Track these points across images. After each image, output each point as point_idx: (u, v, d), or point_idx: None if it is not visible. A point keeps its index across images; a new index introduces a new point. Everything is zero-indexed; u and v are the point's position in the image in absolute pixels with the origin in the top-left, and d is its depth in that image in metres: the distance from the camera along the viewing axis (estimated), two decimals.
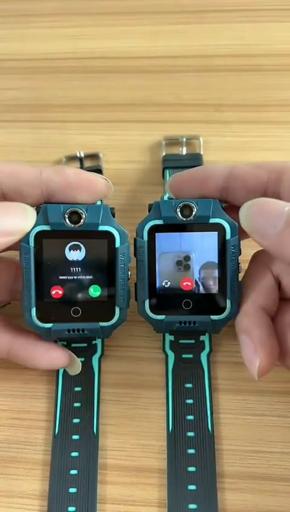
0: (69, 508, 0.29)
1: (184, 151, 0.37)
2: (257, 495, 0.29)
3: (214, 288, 0.28)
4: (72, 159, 0.38)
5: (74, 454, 0.30)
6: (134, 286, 0.29)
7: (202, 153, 0.37)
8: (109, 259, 0.28)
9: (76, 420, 0.30)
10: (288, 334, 0.27)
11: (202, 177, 0.29)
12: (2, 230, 0.26)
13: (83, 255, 0.28)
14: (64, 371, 0.31)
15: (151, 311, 0.29)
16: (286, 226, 0.23)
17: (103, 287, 0.29)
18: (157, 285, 0.29)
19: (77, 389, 0.31)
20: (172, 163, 0.36)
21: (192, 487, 0.29)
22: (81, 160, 0.37)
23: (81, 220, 0.28)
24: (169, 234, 0.29)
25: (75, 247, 0.28)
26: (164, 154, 0.37)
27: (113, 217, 0.29)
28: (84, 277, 0.28)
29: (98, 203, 0.30)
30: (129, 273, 0.29)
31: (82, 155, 0.37)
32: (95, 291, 0.29)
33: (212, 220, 0.28)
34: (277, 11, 0.41)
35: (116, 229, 0.28)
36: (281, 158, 0.36)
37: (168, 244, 0.29)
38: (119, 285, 0.28)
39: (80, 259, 0.28)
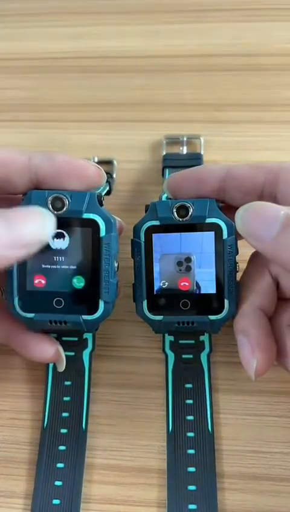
0: (54, 501, 0.29)
1: (184, 150, 0.37)
2: (257, 495, 0.29)
3: (212, 288, 0.28)
4: None
5: (62, 447, 0.30)
6: (132, 287, 0.29)
7: (202, 152, 0.37)
8: (93, 249, 0.27)
9: (65, 414, 0.30)
10: (285, 335, 0.27)
11: (198, 178, 0.29)
12: (16, 242, 0.24)
13: (67, 244, 0.27)
14: (54, 364, 0.31)
15: (149, 311, 0.29)
16: (281, 229, 0.23)
17: (87, 278, 0.27)
18: (155, 285, 0.29)
19: (67, 383, 0.31)
20: (172, 163, 0.36)
21: (192, 487, 0.29)
22: None
23: (64, 207, 0.27)
24: (166, 235, 0.28)
25: (59, 235, 0.27)
26: (164, 153, 0.37)
27: (101, 205, 0.28)
28: (68, 267, 0.28)
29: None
30: (116, 264, 0.28)
31: (96, 160, 0.37)
32: (78, 282, 0.28)
33: (208, 220, 0.28)
34: (277, 10, 0.41)
35: (102, 217, 0.27)
36: (281, 158, 0.36)
37: (165, 245, 0.29)
38: (103, 277, 0.27)
39: (63, 248, 0.27)
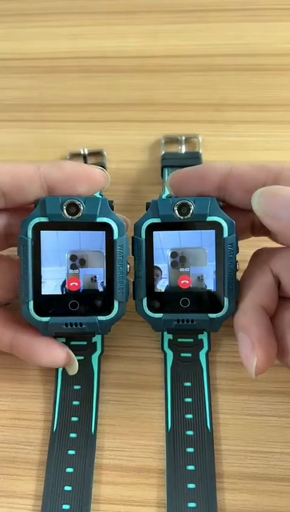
0: (64, 506, 0.29)
1: (183, 149, 0.37)
2: (257, 495, 0.29)
3: (212, 286, 0.28)
4: (75, 155, 0.38)
5: (71, 452, 0.30)
6: (132, 284, 0.29)
7: (200, 151, 0.37)
8: (107, 251, 0.28)
9: (74, 418, 0.30)
10: (287, 333, 0.27)
11: (200, 175, 0.29)
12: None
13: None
14: (63, 369, 0.31)
15: (149, 309, 0.29)
16: None
17: (101, 280, 0.28)
18: (155, 283, 0.29)
19: (76, 387, 0.31)
20: (171, 162, 0.36)
21: (191, 486, 0.29)
22: (84, 157, 0.37)
23: (79, 212, 0.28)
24: (167, 232, 0.29)
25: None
26: (163, 152, 0.37)
27: (112, 209, 0.28)
28: (83, 269, 0.28)
29: (98, 195, 0.30)
30: (128, 266, 0.29)
31: (86, 152, 0.37)
32: (93, 284, 0.29)
33: (209, 218, 0.28)
34: (277, 10, 0.41)
35: (115, 221, 0.28)
36: (281, 158, 0.36)
37: (166, 243, 0.29)
38: (117, 278, 0.28)
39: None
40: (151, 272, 0.29)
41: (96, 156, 0.38)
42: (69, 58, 0.41)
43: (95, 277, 0.28)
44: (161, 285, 0.29)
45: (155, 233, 0.29)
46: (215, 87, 0.39)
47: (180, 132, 0.38)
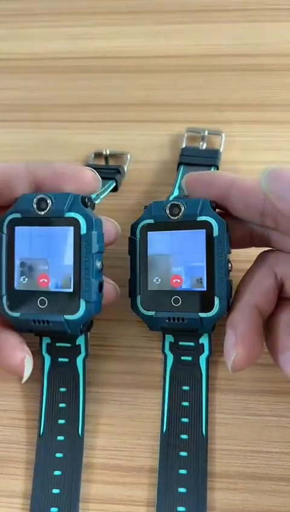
0: (52, 509, 0.29)
1: (204, 145, 0.37)
2: (257, 495, 0.29)
3: (202, 285, 0.28)
4: (98, 155, 0.38)
5: (59, 455, 0.30)
6: (128, 283, 0.30)
7: (221, 149, 0.36)
8: (74, 247, 0.28)
9: (61, 421, 0.30)
10: (284, 332, 0.27)
11: (207, 183, 0.29)
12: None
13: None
14: (49, 371, 0.31)
15: (143, 307, 0.29)
16: None
17: (68, 277, 0.28)
18: (148, 282, 0.29)
19: (62, 389, 0.31)
20: (187, 159, 0.36)
21: (182, 490, 0.29)
22: (106, 158, 0.38)
23: (48, 207, 0.28)
24: (160, 233, 0.29)
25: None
26: (183, 146, 0.37)
27: (86, 206, 0.28)
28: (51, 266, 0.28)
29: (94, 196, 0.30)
30: (99, 263, 0.28)
31: (108, 153, 0.37)
32: (61, 282, 0.28)
33: (199, 218, 0.28)
34: (277, 10, 0.41)
35: (83, 216, 0.27)
36: (281, 158, 0.36)
37: (159, 242, 0.29)
38: (84, 275, 0.27)
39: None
40: (145, 271, 0.29)
41: (117, 159, 0.38)
42: (69, 58, 0.41)
43: (65, 274, 0.28)
44: (154, 284, 0.29)
45: (149, 233, 0.29)
46: (215, 87, 0.39)
47: (203, 126, 0.37)
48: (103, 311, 0.29)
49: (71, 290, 0.28)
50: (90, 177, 0.29)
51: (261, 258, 0.29)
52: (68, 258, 0.28)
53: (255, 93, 0.39)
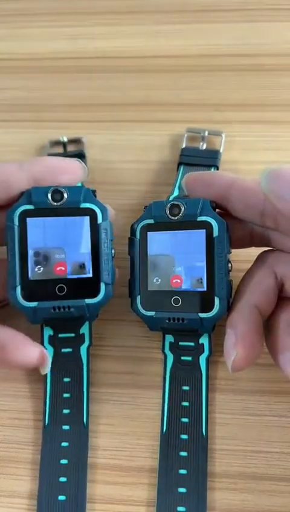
0: (60, 497, 0.29)
1: (204, 146, 0.37)
2: (257, 495, 0.30)
3: (202, 286, 0.28)
4: (56, 144, 0.38)
5: (64, 444, 0.30)
6: (128, 283, 0.30)
7: (221, 150, 0.36)
8: (91, 235, 0.29)
9: (66, 411, 0.30)
10: (284, 332, 0.27)
11: (207, 183, 0.29)
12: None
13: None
14: (52, 362, 0.31)
15: (143, 307, 0.29)
16: None
17: (88, 263, 0.29)
18: (148, 282, 0.29)
19: (66, 379, 0.31)
20: (187, 159, 0.36)
21: (182, 490, 0.29)
22: (64, 144, 0.38)
23: (63, 198, 0.29)
24: (160, 233, 0.29)
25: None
26: (183, 146, 0.37)
27: (95, 197, 0.29)
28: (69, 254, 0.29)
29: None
30: (113, 251, 0.29)
31: (65, 140, 0.38)
32: (80, 268, 0.29)
33: (199, 218, 0.29)
34: (277, 10, 0.41)
35: (98, 206, 0.29)
36: (281, 158, 0.36)
37: (159, 243, 0.29)
38: (103, 260, 0.29)
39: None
40: (145, 271, 0.29)
41: (75, 144, 0.38)
42: (69, 58, 0.41)
43: (82, 261, 0.29)
44: (154, 284, 0.29)
45: (149, 233, 0.29)
46: (215, 87, 0.39)
47: (203, 127, 0.37)
48: (103, 311, 0.29)
49: (90, 275, 0.29)
50: (80, 168, 0.30)
51: (261, 258, 0.29)
52: (85, 246, 0.29)
53: (255, 93, 0.39)
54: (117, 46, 0.41)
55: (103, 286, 0.29)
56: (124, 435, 0.31)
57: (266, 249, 0.30)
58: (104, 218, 0.29)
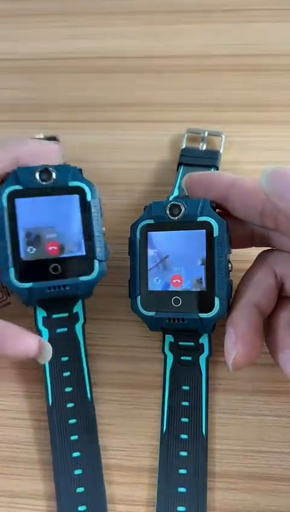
0: (75, 471, 0.29)
1: (204, 146, 0.36)
2: (257, 495, 0.30)
3: (202, 286, 0.28)
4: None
5: (72, 421, 0.30)
6: (128, 283, 0.30)
7: (221, 151, 0.36)
8: (82, 212, 0.29)
9: (68, 389, 0.31)
10: (284, 331, 0.27)
11: (207, 182, 0.29)
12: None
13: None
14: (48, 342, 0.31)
15: (143, 307, 0.29)
16: None
17: (80, 241, 0.29)
18: (148, 282, 0.29)
19: (64, 358, 0.31)
20: (187, 160, 0.36)
21: (182, 489, 0.29)
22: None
23: (52, 178, 0.29)
24: (160, 233, 0.29)
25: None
26: (183, 147, 0.37)
27: (81, 175, 0.30)
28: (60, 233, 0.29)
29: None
30: (104, 229, 0.29)
31: (41, 136, 0.37)
32: (73, 246, 0.29)
33: (200, 218, 0.29)
34: (277, 10, 0.41)
35: (86, 184, 0.29)
36: (281, 158, 0.36)
37: (159, 243, 0.29)
38: (95, 237, 0.29)
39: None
40: (145, 272, 0.29)
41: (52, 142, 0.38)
42: (69, 59, 0.41)
43: (75, 239, 0.29)
44: (154, 284, 0.29)
45: (149, 233, 0.29)
46: (216, 87, 0.39)
47: (203, 127, 0.37)
48: (103, 311, 0.29)
49: (84, 253, 0.29)
50: (59, 150, 0.31)
51: (261, 257, 0.29)
52: (76, 224, 0.29)
53: (255, 93, 0.39)
54: (117, 46, 0.41)
55: (96, 263, 0.29)
56: (124, 435, 0.31)
57: (266, 248, 0.30)
58: (93, 196, 0.29)
